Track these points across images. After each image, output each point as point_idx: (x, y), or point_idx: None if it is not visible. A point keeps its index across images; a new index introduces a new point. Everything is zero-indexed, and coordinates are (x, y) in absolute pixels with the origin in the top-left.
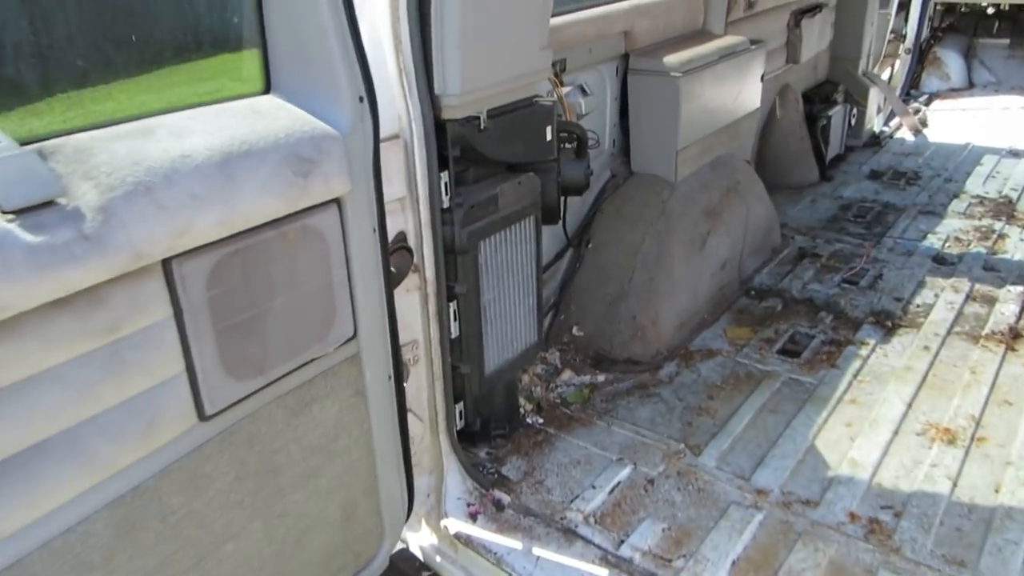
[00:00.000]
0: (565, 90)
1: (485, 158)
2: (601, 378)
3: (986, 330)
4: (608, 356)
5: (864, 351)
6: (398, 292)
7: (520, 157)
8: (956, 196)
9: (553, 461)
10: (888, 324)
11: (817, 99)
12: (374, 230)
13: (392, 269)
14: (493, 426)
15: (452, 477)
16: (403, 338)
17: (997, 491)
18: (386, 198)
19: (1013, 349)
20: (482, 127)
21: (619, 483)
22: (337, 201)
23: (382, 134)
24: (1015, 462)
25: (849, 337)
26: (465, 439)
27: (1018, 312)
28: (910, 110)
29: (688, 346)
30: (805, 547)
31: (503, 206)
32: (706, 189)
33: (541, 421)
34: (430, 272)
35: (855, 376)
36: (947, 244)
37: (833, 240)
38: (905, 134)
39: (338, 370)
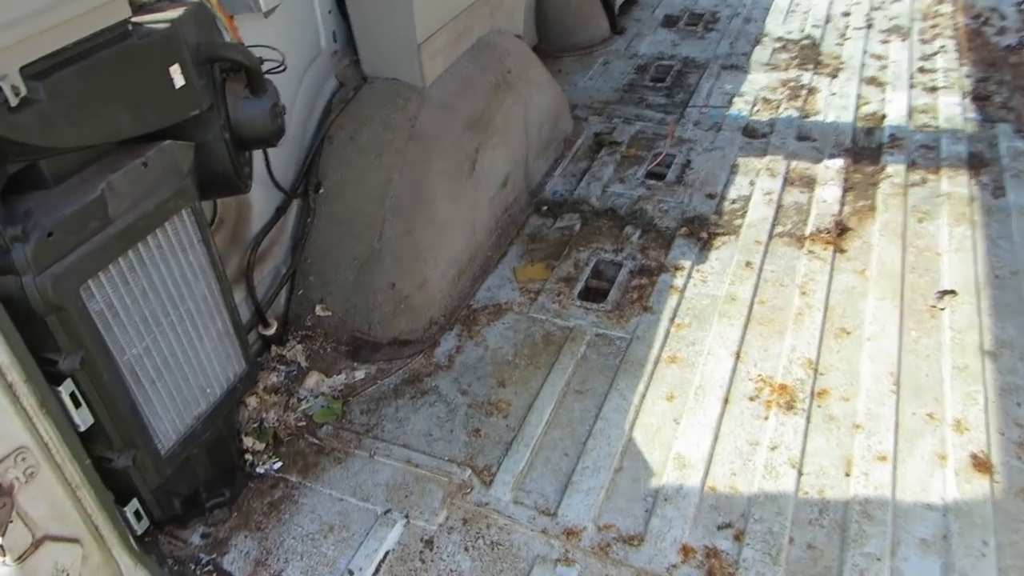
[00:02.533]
0: None
1: (54, 148)
2: (360, 374)
3: (810, 227)
4: (368, 339)
5: (679, 279)
6: None
7: (129, 129)
8: (758, 41)
9: (296, 532)
10: (703, 235)
11: None
12: None
13: None
14: (206, 496)
15: None
16: None
17: (848, 473)
18: None
19: (841, 250)
20: (14, 103)
21: (387, 555)
22: None
23: None
24: (863, 423)
25: (661, 260)
26: (171, 521)
27: (840, 195)
28: None
29: (470, 303)
30: None
31: (118, 210)
32: (469, 90)
33: (278, 466)
34: (2, 355)
35: (672, 319)
36: (756, 109)
37: (632, 118)
38: None
39: None
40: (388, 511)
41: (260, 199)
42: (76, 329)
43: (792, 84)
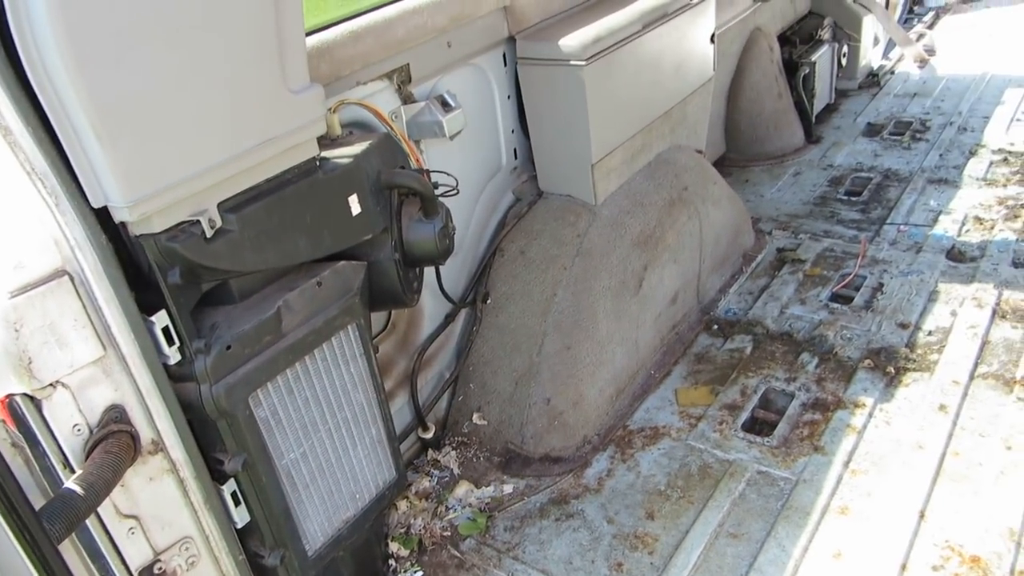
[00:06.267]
0: (413, 108)
1: (241, 272)
2: (509, 488)
3: (1022, 370)
4: (519, 453)
5: (859, 418)
6: (139, 481)
7: (307, 253)
8: (973, 153)
9: None
10: (891, 370)
11: (797, 40)
12: None
13: (79, 489)
14: None
15: None
16: (164, 538)
17: None
18: (74, 363)
19: None
20: (210, 235)
21: None
22: None
23: (33, 271)
24: None
25: (839, 395)
26: None
27: None
28: (912, 36)
29: (627, 423)
30: None
31: (291, 326)
32: (640, 208)
33: (419, 575)
34: (177, 452)
35: (846, 464)
36: (965, 229)
37: (820, 235)
38: (909, 67)
39: None
40: None
41: (431, 306)
42: (242, 434)
43: (1011, 202)
